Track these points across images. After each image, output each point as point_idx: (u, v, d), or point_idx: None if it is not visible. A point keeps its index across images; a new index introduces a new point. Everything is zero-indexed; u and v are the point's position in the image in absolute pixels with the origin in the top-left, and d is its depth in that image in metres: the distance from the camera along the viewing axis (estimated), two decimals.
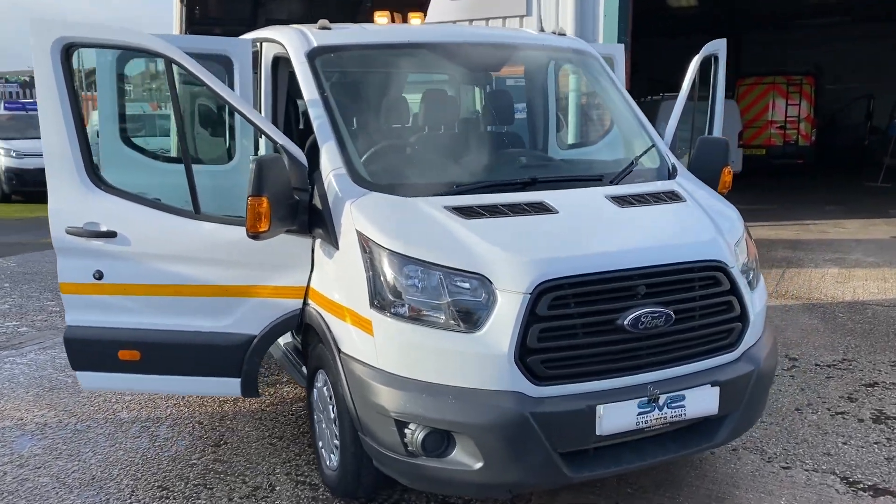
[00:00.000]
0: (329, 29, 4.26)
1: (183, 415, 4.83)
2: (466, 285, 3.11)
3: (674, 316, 3.23)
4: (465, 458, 3.07)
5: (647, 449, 3.32)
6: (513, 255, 3.12)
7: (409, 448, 3.12)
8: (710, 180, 4.43)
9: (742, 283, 3.50)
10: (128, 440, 4.52)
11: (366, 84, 4.41)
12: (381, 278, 3.18)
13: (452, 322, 3.08)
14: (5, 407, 5.03)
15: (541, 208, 3.46)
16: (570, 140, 6.71)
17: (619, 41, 11.16)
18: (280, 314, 3.85)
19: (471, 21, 11.79)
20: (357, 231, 3.33)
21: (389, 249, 3.19)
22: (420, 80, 5.10)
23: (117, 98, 4.71)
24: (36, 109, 3.92)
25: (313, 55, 4.00)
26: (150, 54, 3.75)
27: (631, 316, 3.14)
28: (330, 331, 3.47)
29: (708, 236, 3.52)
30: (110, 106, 4.68)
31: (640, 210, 3.62)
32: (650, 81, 21.83)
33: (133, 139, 4.81)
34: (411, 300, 3.12)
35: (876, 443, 4.35)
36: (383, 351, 3.16)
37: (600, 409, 3.09)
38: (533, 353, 3.05)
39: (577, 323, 3.11)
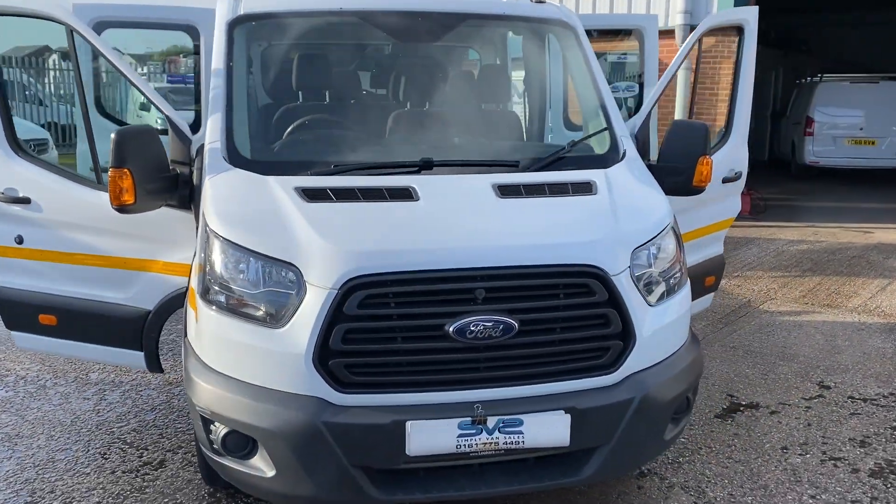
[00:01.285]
0: None
1: (142, 381, 4.92)
2: (281, 276, 2.83)
3: (517, 326, 2.76)
4: (261, 464, 2.82)
5: (490, 477, 2.89)
6: (327, 245, 2.79)
7: (214, 446, 2.91)
8: (685, 170, 3.81)
9: (629, 293, 2.94)
10: (77, 401, 4.66)
11: (290, 54, 4.17)
12: (208, 262, 2.98)
13: (264, 315, 2.82)
14: (4, 359, 5.37)
15: (403, 195, 3.09)
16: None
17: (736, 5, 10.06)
18: (171, 290, 3.77)
19: None
20: (202, 209, 3.15)
21: (215, 231, 2.98)
22: (376, 51, 4.75)
23: (91, 70, 4.83)
24: None
25: (234, 24, 3.83)
26: (58, 23, 3.74)
27: (458, 323, 2.72)
28: (185, 313, 3.34)
29: (587, 237, 2.98)
30: (85, 77, 4.80)
31: (522, 202, 3.13)
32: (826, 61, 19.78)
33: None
34: (232, 289, 2.89)
35: (854, 502, 3.56)
36: (203, 341, 2.97)
37: (409, 425, 2.71)
38: (336, 356, 2.72)
39: (393, 326, 2.74)
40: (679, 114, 10.59)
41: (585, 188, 3.29)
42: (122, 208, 3.31)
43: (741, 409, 4.60)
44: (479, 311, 2.76)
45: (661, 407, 3.03)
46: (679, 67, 4.25)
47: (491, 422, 2.77)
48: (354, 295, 2.71)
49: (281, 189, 3.10)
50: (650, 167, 3.89)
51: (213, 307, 2.91)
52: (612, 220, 3.10)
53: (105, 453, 4.01)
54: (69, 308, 3.99)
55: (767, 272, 8.03)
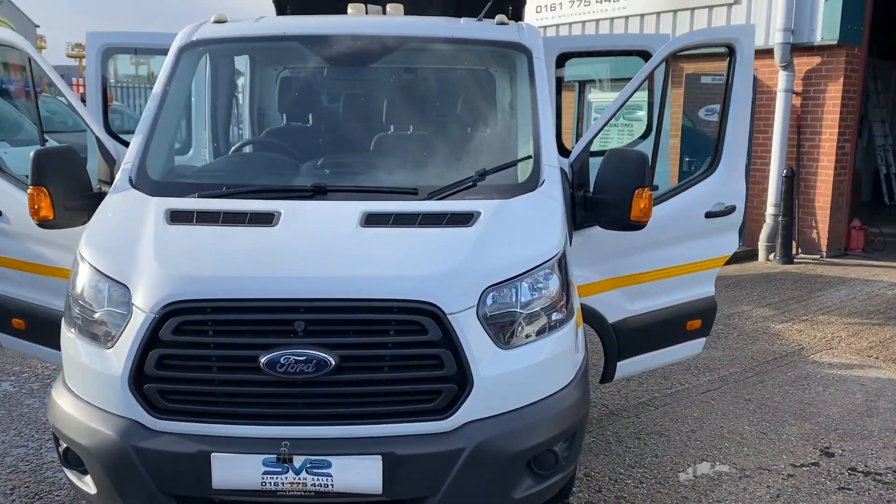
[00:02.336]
0: (224, 22, 4.18)
1: None
2: (118, 297, 2.87)
3: (332, 363, 2.63)
4: (89, 482, 2.87)
5: None
6: (154, 268, 2.79)
7: (61, 460, 3.00)
8: (621, 204, 3.51)
9: (471, 334, 2.71)
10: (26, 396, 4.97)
11: (236, 78, 4.24)
12: (70, 282, 3.09)
13: (102, 336, 2.88)
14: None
15: (263, 220, 3.03)
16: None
17: (842, 31, 9.20)
18: None
19: (675, 12, 10.58)
20: None
21: (79, 251, 3.08)
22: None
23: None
24: None
25: (182, 50, 3.97)
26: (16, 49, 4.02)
27: (269, 356, 2.63)
28: None
29: (424, 271, 2.78)
30: (95, 100, 5.14)
31: (383, 232, 2.98)
32: None
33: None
34: (83, 308, 2.97)
35: None
36: (64, 357, 3.08)
37: (214, 457, 2.65)
38: (151, 381, 2.71)
39: (207, 354, 2.69)
40: (777, 161, 9.75)
41: (463, 219, 3.08)
42: (42, 223, 3.50)
43: (710, 470, 4.12)
44: (294, 344, 2.65)
45: (505, 460, 2.76)
46: (634, 92, 3.90)
47: (298, 461, 2.65)
48: (171, 320, 2.69)
49: (153, 211, 3.15)
50: (587, 199, 3.62)
51: (71, 327, 3.00)
52: (468, 254, 2.88)
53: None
54: (34, 314, 4.26)
55: (843, 317, 7.18)
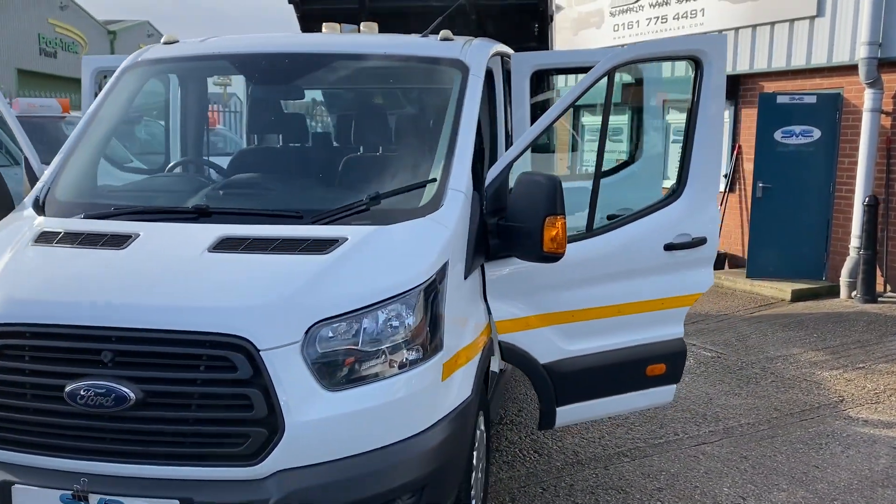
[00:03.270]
0: (175, 42, 4.16)
1: None
2: None
3: (133, 397, 2.46)
4: None
5: None
6: None
7: None
8: (532, 233, 3.18)
9: (288, 373, 2.48)
10: None
11: (172, 98, 4.18)
12: None
13: None
14: None
15: (116, 242, 2.93)
16: None
17: None
18: None
19: (754, 27, 9.85)
20: None
21: None
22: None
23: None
24: None
25: (125, 70, 3.99)
26: None
27: (72, 387, 2.50)
28: None
29: (240, 303, 2.56)
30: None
31: (230, 258, 2.78)
32: None
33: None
34: None
35: None
36: None
37: (15, 488, 2.55)
38: None
39: (21, 381, 2.60)
40: (862, 188, 8.78)
41: (322, 246, 2.84)
42: None
43: None
44: (99, 375, 2.51)
45: None
46: (565, 110, 3.51)
47: (93, 499, 2.50)
48: None
49: (28, 232, 3.12)
50: (500, 227, 3.29)
51: None
52: (302, 285, 2.64)
53: None
54: None
55: None
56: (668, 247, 3.82)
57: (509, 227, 3.27)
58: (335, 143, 3.93)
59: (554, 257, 3.25)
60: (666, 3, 11.16)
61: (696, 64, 3.77)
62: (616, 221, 3.79)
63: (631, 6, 11.74)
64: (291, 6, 6.92)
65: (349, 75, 3.96)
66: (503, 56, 4.40)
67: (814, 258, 9.44)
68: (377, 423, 2.64)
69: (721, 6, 10.30)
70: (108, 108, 3.85)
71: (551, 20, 6.71)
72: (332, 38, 4.04)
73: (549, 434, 4.73)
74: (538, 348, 3.63)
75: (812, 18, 9.26)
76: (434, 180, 3.29)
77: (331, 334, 2.61)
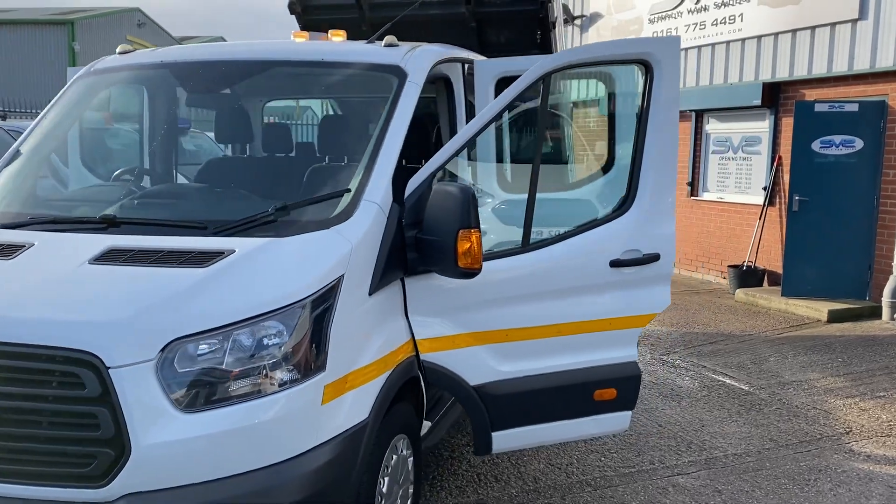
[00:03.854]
0: (128, 53, 4.16)
1: None
2: None
3: None
4: None
5: None
6: None
7: None
8: (446, 247, 3.02)
9: (137, 391, 2.38)
10: None
11: (118, 107, 4.15)
12: None
13: None
14: None
15: (6, 252, 2.87)
16: None
17: None
18: None
19: (793, 32, 9.37)
20: None
21: None
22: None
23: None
24: None
25: (79, 79, 4.01)
26: None
27: None
28: None
29: (91, 317, 2.46)
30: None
31: (105, 271, 2.69)
32: None
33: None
34: None
35: None
36: None
37: None
38: None
39: None
40: None
41: (203, 259, 2.73)
42: None
43: None
44: None
45: None
46: (492, 118, 3.31)
47: None
48: None
49: None
50: (418, 241, 3.12)
51: None
52: (164, 299, 2.53)
53: None
54: None
55: None
56: (615, 263, 3.57)
57: (425, 240, 3.11)
58: (264, 153, 3.84)
59: (470, 273, 3.07)
60: (704, 10, 10.73)
61: (646, 69, 3.53)
62: (557, 236, 3.57)
63: (669, 13, 11.35)
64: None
65: (287, 82, 3.87)
66: (465, 63, 4.23)
67: (856, 276, 8.84)
68: (240, 447, 2.50)
69: (760, 11, 9.83)
70: (52, 117, 3.86)
71: (553, 27, 6.48)
72: (273, 45, 3.95)
73: (514, 458, 4.50)
74: (468, 369, 3.43)
75: (854, 22, 8.72)
76: (349, 191, 3.15)
77: (192, 352, 2.49)
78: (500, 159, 4.13)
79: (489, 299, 3.42)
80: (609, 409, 3.73)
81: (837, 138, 8.78)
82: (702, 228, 11.14)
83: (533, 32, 6.49)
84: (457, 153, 3.28)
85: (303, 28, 7.10)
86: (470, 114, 4.17)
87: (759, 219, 9.99)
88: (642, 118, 3.55)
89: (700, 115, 11.13)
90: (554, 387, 3.61)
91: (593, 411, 3.70)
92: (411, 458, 3.44)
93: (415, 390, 3.46)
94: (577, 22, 13.37)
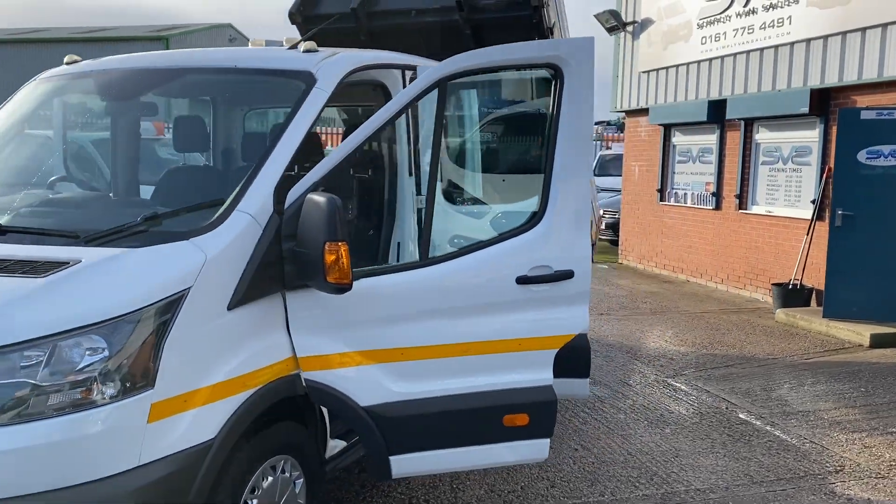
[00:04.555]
0: (74, 63, 4.21)
1: None
2: None
3: None
4: None
5: None
6: None
7: None
8: (316, 260, 2.90)
9: None
10: None
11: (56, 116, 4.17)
12: None
13: None
14: None
15: None
16: None
17: None
18: None
19: (843, 34, 8.77)
20: None
21: None
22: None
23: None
24: None
25: (20, 88, 4.10)
26: None
27: None
28: None
29: None
30: None
31: None
32: None
33: None
34: None
35: None
36: None
37: None
38: None
39: None
40: None
41: (44, 269, 2.68)
42: None
43: None
44: None
45: None
46: (380, 124, 3.15)
47: None
48: None
49: None
50: (294, 254, 3.01)
51: None
52: (20, 305, 2.52)
53: None
54: None
55: None
56: (522, 280, 3.34)
57: (298, 253, 2.99)
58: (160, 161, 3.81)
59: (341, 288, 2.93)
60: (753, 13, 10.17)
61: (556, 72, 3.29)
62: (459, 250, 3.37)
63: (718, 17, 10.82)
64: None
65: (200, 90, 3.83)
66: (407, 69, 4.09)
67: None
68: (54, 463, 2.44)
69: (809, 13, 9.22)
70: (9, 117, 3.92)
71: (551, 33, 6.24)
72: (194, 52, 3.91)
73: (455, 482, 4.29)
74: (358, 389, 3.26)
75: None
76: (223, 201, 3.07)
77: (12, 363, 2.45)
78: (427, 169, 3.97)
79: (382, 316, 3.26)
80: (522, 436, 3.49)
81: (886, 148, 8.11)
82: (750, 243, 10.53)
83: (530, 38, 6.27)
84: (336, 165, 3.13)
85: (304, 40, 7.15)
86: (408, 121, 4.03)
87: (807, 234, 9.35)
88: (552, 126, 3.32)
89: (749, 124, 10.54)
90: (458, 410, 3.40)
91: (505, 438, 3.47)
92: (301, 480, 3.31)
93: (312, 409, 3.34)
94: (630, 28, 12.96)
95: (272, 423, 3.12)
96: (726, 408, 5.73)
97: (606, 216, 15.62)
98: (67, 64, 4.09)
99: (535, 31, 6.21)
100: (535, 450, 3.54)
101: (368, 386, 3.28)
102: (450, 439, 3.44)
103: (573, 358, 4.05)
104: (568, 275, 3.37)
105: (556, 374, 4.17)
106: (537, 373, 3.46)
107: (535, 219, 3.37)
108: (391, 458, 3.36)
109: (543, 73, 3.74)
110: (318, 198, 2.90)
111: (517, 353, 3.42)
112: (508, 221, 3.87)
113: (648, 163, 12.98)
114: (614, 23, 13.00)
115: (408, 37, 6.69)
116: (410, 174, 4.09)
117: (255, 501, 3.01)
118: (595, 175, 19.45)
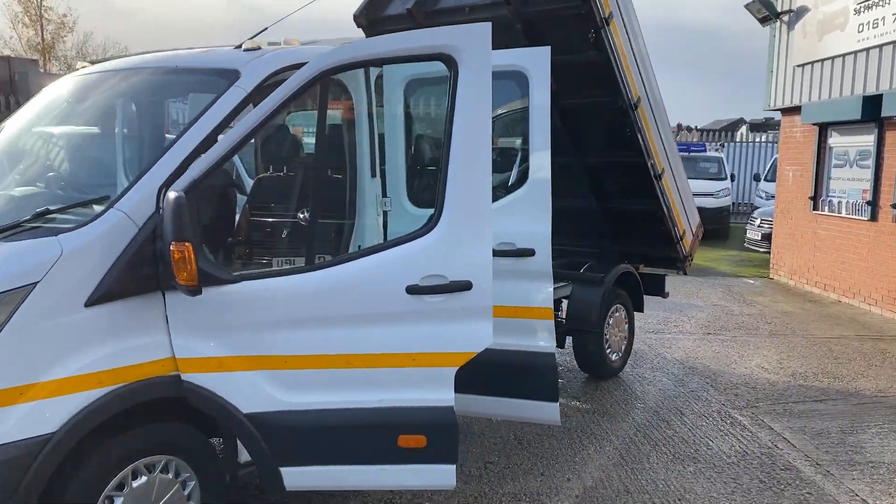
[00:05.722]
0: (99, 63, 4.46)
1: None
2: None
3: None
4: None
5: None
6: None
7: None
8: (167, 260, 2.90)
9: None
10: None
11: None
12: None
13: None
14: None
15: None
16: None
17: None
18: None
19: None
20: None
21: None
22: None
23: None
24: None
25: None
26: None
27: None
28: None
29: None
30: None
31: None
32: None
33: None
34: None
35: None
36: None
37: None
38: None
39: None
40: None
41: None
42: None
43: None
44: None
45: None
46: (261, 123, 2.99)
47: None
48: None
49: None
50: (161, 253, 2.99)
51: None
52: None
53: None
54: None
55: None
56: (412, 290, 3.06)
57: (161, 252, 2.95)
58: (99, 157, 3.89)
59: (193, 290, 2.86)
60: None
61: (451, 64, 2.99)
62: (347, 255, 3.16)
63: (877, 1, 9.45)
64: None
65: (147, 89, 3.89)
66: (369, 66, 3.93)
67: None
68: None
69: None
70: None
71: (606, 24, 5.74)
72: (150, 55, 3.99)
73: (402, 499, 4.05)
74: (240, 395, 3.16)
75: None
76: (107, 197, 3.11)
77: None
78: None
79: (266, 321, 3.14)
80: (423, 459, 3.21)
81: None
82: None
83: (584, 31, 5.81)
84: (217, 164, 3.03)
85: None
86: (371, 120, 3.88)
87: None
88: (448, 122, 3.01)
89: (824, 129, 9.20)
90: (350, 425, 3.21)
91: (402, 459, 3.21)
92: (195, 482, 3.26)
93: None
94: (784, 18, 11.71)
95: (154, 422, 3.11)
96: (779, 449, 4.94)
97: (764, 225, 14.26)
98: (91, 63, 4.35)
99: (587, 22, 5.75)
100: (440, 476, 3.24)
101: (251, 392, 3.17)
102: (344, 456, 3.24)
103: (534, 378, 3.77)
104: (465, 286, 3.05)
105: (519, 395, 3.90)
106: (435, 392, 3.16)
107: (428, 224, 3.08)
108: (282, 469, 3.23)
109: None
110: (170, 195, 2.83)
111: (411, 369, 3.15)
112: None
113: (802, 167, 11.64)
114: (766, 13, 11.80)
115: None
116: (374, 175, 3.94)
117: (120, 499, 3.01)
118: (767, 181, 17.87)
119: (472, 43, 2.95)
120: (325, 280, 3.11)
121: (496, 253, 3.44)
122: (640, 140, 6.29)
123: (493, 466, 4.50)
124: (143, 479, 3.08)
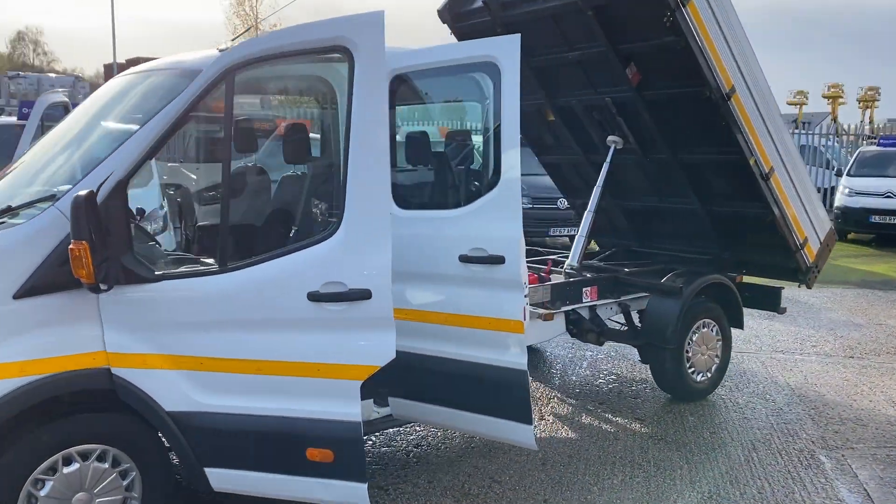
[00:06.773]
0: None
1: None
2: None
3: None
4: None
5: None
6: None
7: None
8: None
9: None
10: None
11: None
12: None
13: None
14: None
15: None
16: None
17: None
18: None
19: None
20: None
21: None
22: None
23: None
24: None
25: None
26: None
27: None
28: None
29: None
30: None
31: None
32: None
33: None
34: None
35: None
36: None
37: None
38: None
39: None
40: None
41: None
42: None
43: None
44: None
45: None
46: (174, 124, 2.96)
47: None
48: None
49: None
50: None
51: None
52: None
53: None
54: None
55: None
56: (313, 296, 2.91)
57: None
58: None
59: (90, 288, 2.92)
60: None
61: (347, 58, 2.78)
62: (255, 258, 3.05)
63: None
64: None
65: (119, 94, 4.02)
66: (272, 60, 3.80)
67: None
68: None
69: None
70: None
71: (683, 6, 5.13)
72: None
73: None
74: (162, 393, 3.20)
75: None
76: (54, 196, 3.26)
77: None
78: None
79: (182, 321, 3.15)
80: (331, 474, 3.06)
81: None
82: None
83: (659, 15, 5.23)
84: (137, 164, 3.06)
85: (458, 36, 6.92)
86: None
87: None
88: (346, 122, 2.81)
89: None
90: (262, 432, 3.14)
91: (312, 472, 3.09)
92: (135, 473, 3.33)
93: None
94: None
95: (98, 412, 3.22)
96: (848, 496, 4.14)
97: None
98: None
99: (666, 7, 5.17)
100: (351, 493, 3.08)
101: (172, 391, 3.20)
102: (260, 463, 3.18)
103: (506, 396, 3.49)
104: (364, 294, 2.84)
105: (493, 414, 3.66)
106: (341, 405, 3.00)
107: (331, 227, 2.91)
108: (206, 469, 3.23)
109: None
110: (76, 196, 2.90)
111: (316, 380, 3.01)
112: None
113: None
114: None
115: (540, 24, 6.11)
116: None
117: (49, 483, 3.14)
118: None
119: (365, 34, 2.73)
120: (234, 282, 3.05)
121: (468, 259, 3.21)
122: (741, 136, 5.58)
123: (499, 487, 4.19)
124: (75, 465, 3.20)
